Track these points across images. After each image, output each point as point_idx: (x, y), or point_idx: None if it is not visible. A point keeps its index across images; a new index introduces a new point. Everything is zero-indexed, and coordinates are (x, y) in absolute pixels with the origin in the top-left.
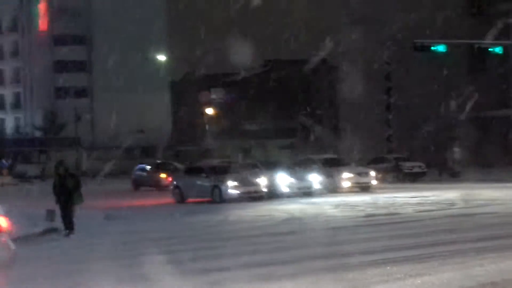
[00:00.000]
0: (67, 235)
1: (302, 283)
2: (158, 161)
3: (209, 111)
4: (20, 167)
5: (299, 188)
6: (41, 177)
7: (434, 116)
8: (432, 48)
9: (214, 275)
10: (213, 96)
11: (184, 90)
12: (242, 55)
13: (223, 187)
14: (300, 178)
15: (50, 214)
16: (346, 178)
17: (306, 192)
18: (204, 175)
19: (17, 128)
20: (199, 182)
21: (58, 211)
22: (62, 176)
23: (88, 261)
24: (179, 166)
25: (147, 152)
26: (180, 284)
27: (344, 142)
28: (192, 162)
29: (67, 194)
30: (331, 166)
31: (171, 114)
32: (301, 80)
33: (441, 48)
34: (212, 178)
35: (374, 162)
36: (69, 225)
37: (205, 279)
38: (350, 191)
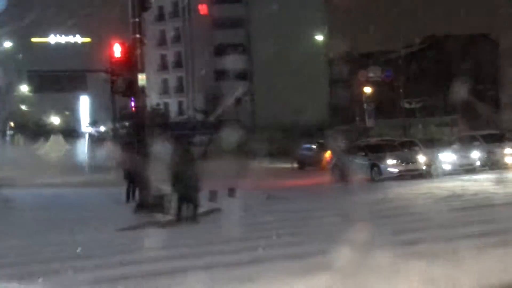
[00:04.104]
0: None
1: (462, 260)
2: (322, 141)
3: (367, 89)
4: None
5: (460, 165)
6: (204, 159)
7: None
8: None
9: (374, 252)
10: (371, 74)
11: (341, 70)
12: (400, 32)
13: (382, 165)
14: (461, 155)
15: (212, 194)
16: (509, 154)
17: (468, 169)
18: (363, 153)
19: (180, 111)
20: (358, 161)
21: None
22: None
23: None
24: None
25: (305, 132)
26: (340, 260)
27: (506, 118)
28: (350, 141)
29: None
30: (493, 142)
31: (329, 94)
32: (460, 56)
33: None
34: (371, 156)
35: None
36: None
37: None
38: None
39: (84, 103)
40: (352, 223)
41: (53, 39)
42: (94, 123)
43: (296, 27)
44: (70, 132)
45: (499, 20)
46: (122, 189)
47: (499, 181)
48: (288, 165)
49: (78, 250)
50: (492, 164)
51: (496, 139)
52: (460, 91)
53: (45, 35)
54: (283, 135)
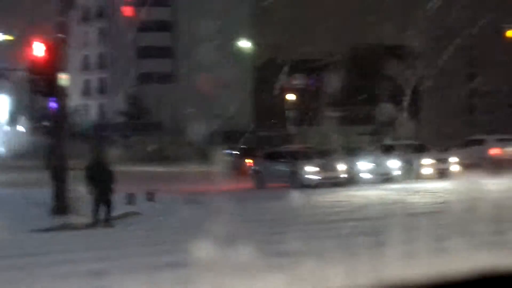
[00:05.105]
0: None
1: (371, 266)
2: (243, 147)
3: (290, 97)
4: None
5: (379, 174)
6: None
7: None
8: None
9: (284, 259)
10: (295, 81)
11: (266, 76)
12: (325, 41)
13: (302, 173)
14: (380, 164)
15: (130, 198)
16: (427, 164)
17: (386, 178)
18: (283, 160)
19: (101, 113)
20: (278, 167)
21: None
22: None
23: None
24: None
25: (228, 137)
26: (251, 265)
27: (425, 128)
28: (272, 147)
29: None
30: (412, 152)
31: (253, 100)
32: (381, 66)
33: None
34: (291, 163)
35: (456, 148)
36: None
37: (274, 261)
38: (431, 177)
39: (2, 102)
40: (263, 229)
41: None
42: (11, 122)
43: (223, 32)
44: None
45: (419, 30)
46: (44, 190)
47: (416, 191)
48: (209, 170)
49: None
50: (411, 174)
51: (415, 149)
52: (380, 101)
53: None
54: (205, 140)
